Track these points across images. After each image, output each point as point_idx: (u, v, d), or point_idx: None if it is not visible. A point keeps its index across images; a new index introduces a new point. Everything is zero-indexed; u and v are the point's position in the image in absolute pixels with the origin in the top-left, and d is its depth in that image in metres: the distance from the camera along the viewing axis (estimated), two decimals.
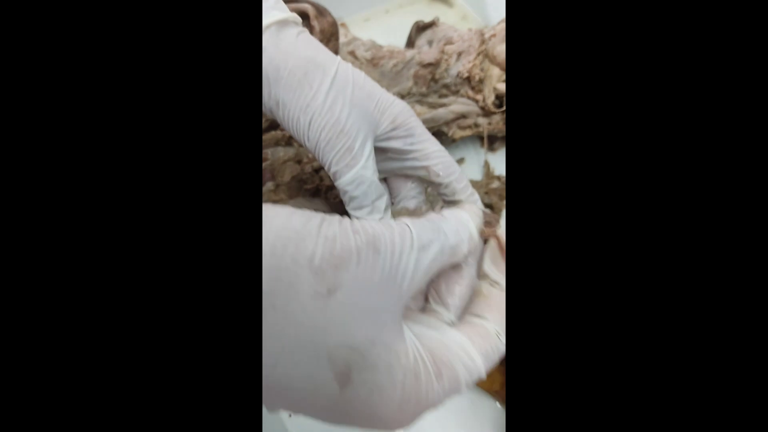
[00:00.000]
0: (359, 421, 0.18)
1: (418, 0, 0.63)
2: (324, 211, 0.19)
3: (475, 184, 0.42)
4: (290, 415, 0.36)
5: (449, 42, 0.47)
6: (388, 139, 0.27)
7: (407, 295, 0.19)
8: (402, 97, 0.44)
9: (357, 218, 0.26)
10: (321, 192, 0.38)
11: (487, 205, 0.42)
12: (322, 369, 0.17)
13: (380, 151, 0.28)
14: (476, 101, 0.44)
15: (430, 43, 0.51)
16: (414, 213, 0.28)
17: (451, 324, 0.22)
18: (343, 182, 0.26)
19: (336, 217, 0.19)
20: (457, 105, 0.44)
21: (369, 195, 0.27)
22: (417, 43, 0.52)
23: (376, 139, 0.27)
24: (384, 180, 0.29)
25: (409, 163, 0.28)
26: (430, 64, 0.45)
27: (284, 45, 0.26)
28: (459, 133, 0.45)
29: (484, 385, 0.35)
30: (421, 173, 0.28)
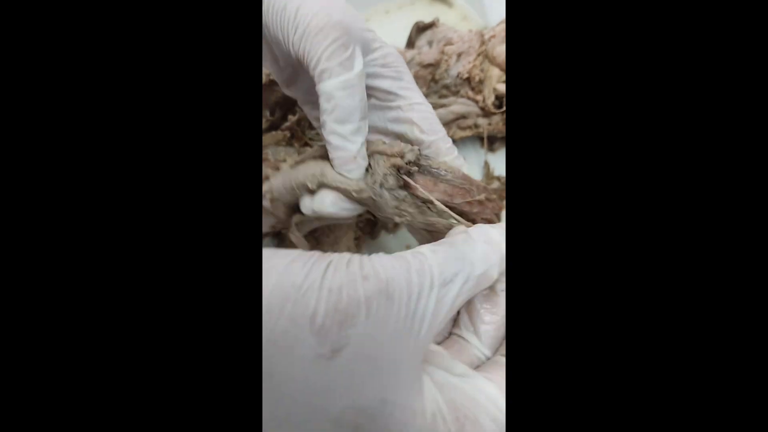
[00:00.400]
0: None
1: (418, 0, 0.63)
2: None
3: None
4: None
5: (449, 43, 0.47)
6: (377, 76, 0.25)
7: (426, 340, 0.17)
8: None
9: (336, 135, 0.22)
10: None
11: None
12: None
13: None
14: (476, 102, 0.44)
15: (430, 43, 0.51)
16: (390, 147, 0.25)
17: (483, 359, 0.20)
18: (331, 85, 0.21)
19: (344, 259, 0.17)
20: (457, 105, 0.45)
21: (358, 111, 0.22)
22: (417, 43, 0.52)
23: (366, 72, 0.24)
24: None
25: (393, 113, 0.25)
26: (430, 65, 0.45)
27: None
28: (459, 134, 0.45)
29: None
30: (404, 128, 0.25)
